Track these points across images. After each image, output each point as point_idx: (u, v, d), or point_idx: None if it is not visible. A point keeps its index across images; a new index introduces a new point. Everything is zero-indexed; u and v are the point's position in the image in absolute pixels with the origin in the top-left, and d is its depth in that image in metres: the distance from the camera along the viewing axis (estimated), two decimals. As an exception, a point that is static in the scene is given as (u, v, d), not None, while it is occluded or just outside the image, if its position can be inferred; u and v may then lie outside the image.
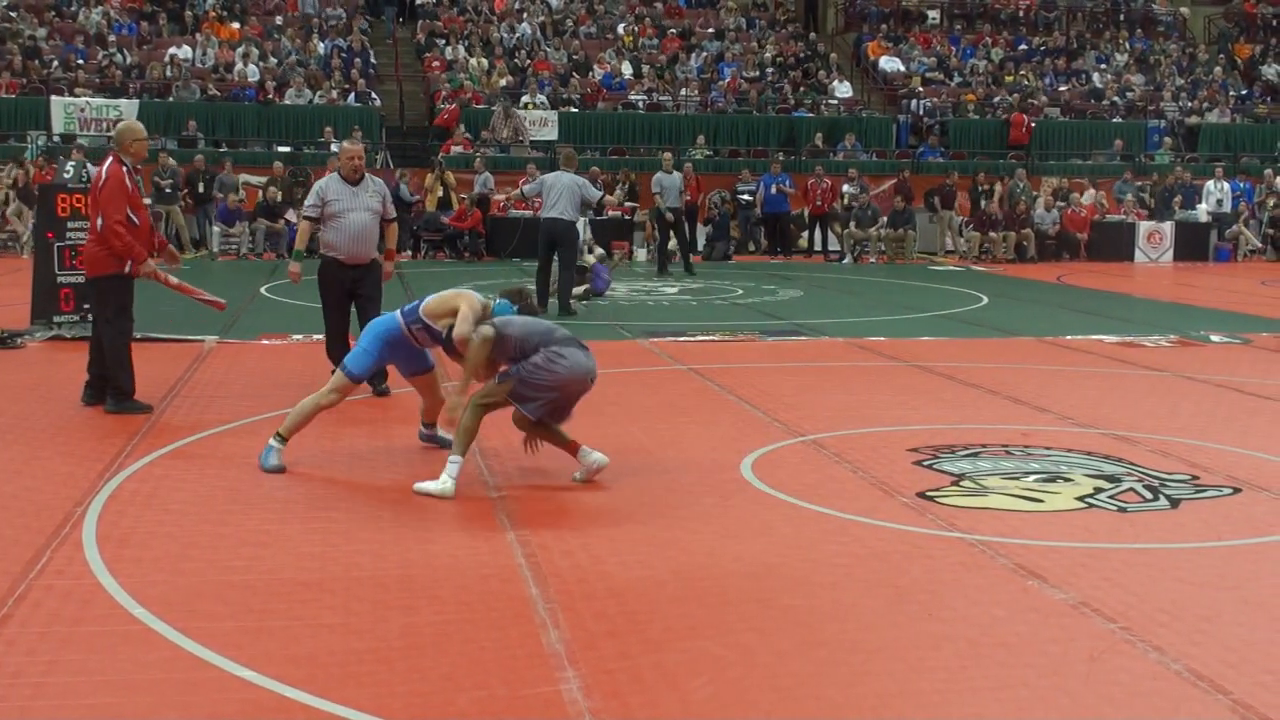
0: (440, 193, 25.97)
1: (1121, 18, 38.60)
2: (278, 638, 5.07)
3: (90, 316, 10.69)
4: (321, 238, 10.60)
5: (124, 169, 9.47)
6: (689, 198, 23.98)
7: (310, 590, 5.63)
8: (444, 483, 7.28)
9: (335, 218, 10.36)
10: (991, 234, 26.68)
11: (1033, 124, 31.86)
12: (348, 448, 8.52)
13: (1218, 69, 35.98)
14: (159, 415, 9.46)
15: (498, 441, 8.49)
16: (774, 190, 26.93)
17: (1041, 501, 7.35)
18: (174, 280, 9.71)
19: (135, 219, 9.41)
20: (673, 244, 22.99)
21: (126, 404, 9.52)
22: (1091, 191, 28.33)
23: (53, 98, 27.95)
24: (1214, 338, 14.60)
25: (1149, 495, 7.52)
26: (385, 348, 8.02)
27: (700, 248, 26.20)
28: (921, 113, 32.58)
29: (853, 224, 26.60)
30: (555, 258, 16.08)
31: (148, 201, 9.83)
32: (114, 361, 9.57)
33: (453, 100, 29.80)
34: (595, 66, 32.60)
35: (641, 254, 26.07)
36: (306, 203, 10.69)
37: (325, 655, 4.89)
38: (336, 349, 10.46)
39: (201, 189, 25.44)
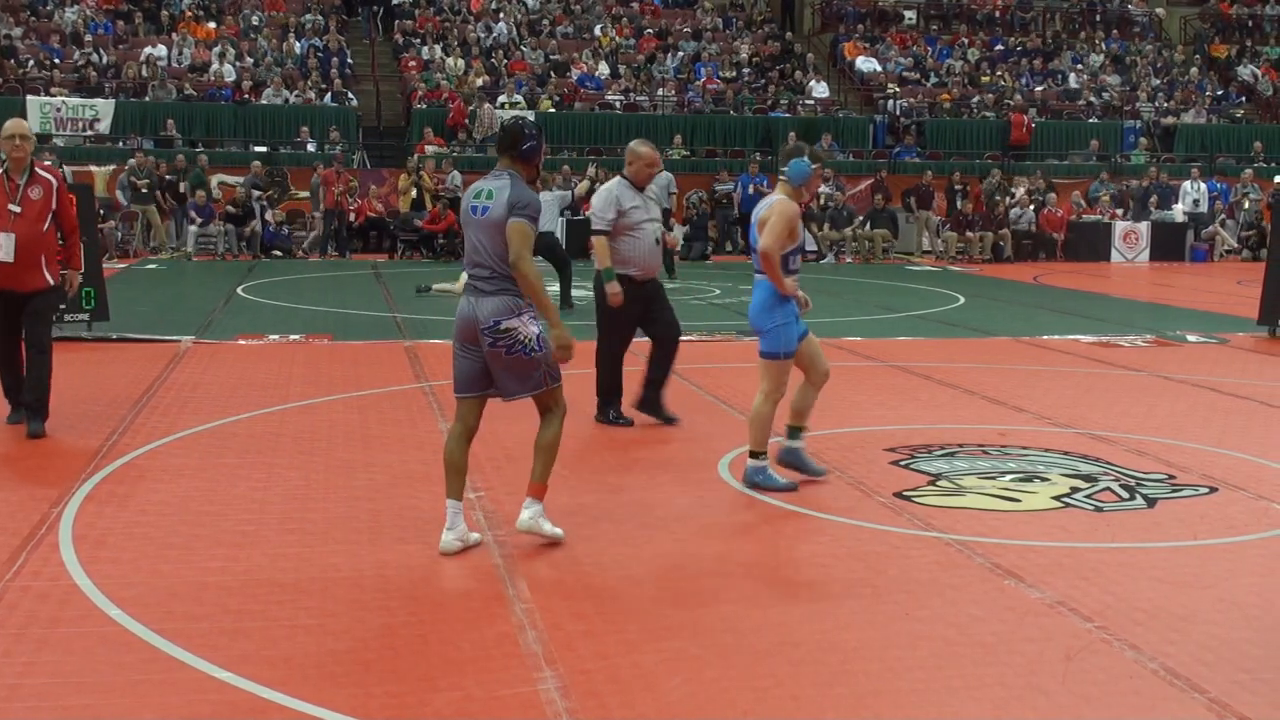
0: (414, 194, 25.91)
1: (1097, 18, 38.77)
2: (254, 638, 5.05)
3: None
4: (614, 253, 9.29)
5: None
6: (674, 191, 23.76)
7: (287, 591, 5.62)
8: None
9: (633, 229, 9.24)
10: (968, 234, 26.75)
11: (1034, 124, 31.93)
12: (324, 449, 8.50)
13: (1194, 69, 36.16)
14: (135, 416, 9.41)
15: (475, 444, 8.47)
16: (751, 190, 26.93)
17: (1018, 501, 7.37)
18: None
19: None
20: None
21: None
22: (1076, 193, 28.43)
23: (28, 97, 27.78)
24: (1190, 337, 14.65)
25: (1126, 495, 7.54)
26: (779, 307, 7.37)
27: (678, 247, 26.17)
28: (898, 113, 32.65)
29: (827, 225, 26.64)
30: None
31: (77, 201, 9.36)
32: None
33: (428, 101, 29.76)
34: (572, 67, 32.58)
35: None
36: (595, 213, 9.36)
37: (302, 656, 4.87)
38: (611, 379, 9.48)
39: (182, 189, 25.35)
